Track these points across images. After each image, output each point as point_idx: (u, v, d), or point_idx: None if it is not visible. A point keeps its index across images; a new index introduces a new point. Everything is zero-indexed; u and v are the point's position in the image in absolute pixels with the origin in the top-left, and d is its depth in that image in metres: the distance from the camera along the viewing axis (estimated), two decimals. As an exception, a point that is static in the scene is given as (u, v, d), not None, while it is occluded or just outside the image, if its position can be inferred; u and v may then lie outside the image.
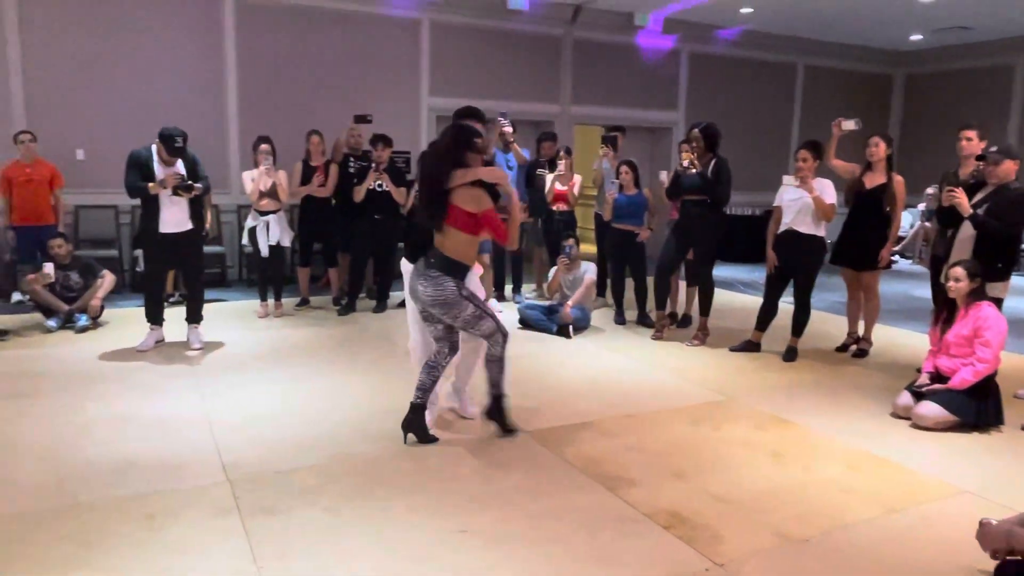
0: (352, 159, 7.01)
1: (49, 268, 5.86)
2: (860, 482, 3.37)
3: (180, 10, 7.87)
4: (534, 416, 4.11)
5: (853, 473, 3.48)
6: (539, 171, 7.33)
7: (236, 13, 8.09)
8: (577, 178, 7.31)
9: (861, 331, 5.71)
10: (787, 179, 5.32)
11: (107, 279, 6.11)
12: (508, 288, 7.59)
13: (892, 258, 5.61)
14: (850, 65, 12.19)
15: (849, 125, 5.42)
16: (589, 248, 7.78)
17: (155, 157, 5.16)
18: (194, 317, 5.50)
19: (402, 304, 7.11)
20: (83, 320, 5.88)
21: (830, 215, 5.20)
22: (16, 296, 6.85)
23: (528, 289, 7.77)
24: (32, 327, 5.91)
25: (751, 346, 5.63)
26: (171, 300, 6.80)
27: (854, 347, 5.68)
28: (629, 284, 6.56)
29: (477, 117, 3.86)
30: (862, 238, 5.38)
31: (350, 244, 6.94)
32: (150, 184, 5.09)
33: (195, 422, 3.93)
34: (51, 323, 5.83)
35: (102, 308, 6.05)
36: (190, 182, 5.16)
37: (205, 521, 2.88)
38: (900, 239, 10.69)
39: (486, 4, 9.20)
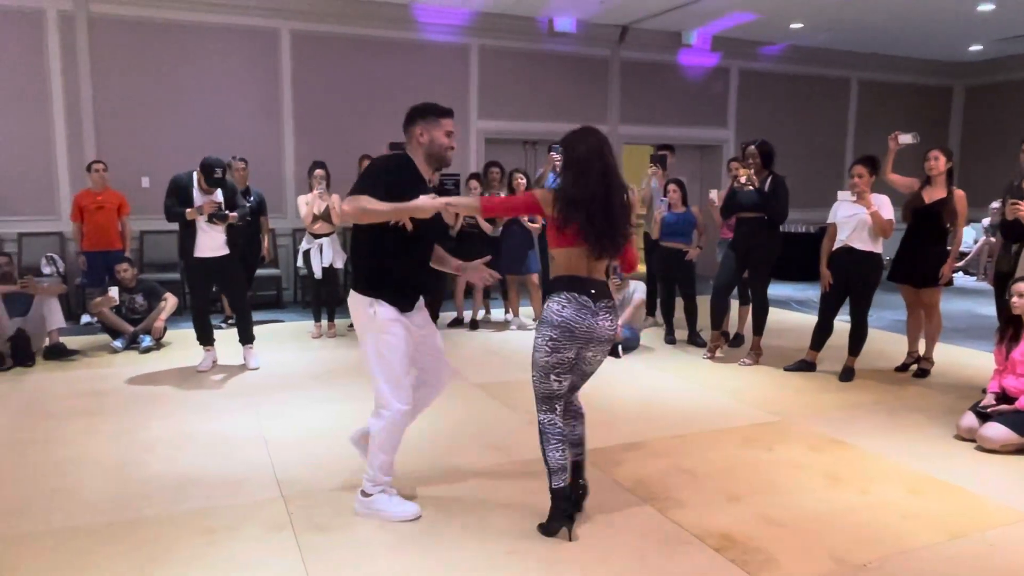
0: None
1: (114, 292, 6.13)
2: (922, 506, 3.26)
3: (239, 42, 8.19)
4: (583, 436, 4.08)
5: (914, 497, 3.36)
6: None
7: (292, 43, 8.38)
8: (625, 197, 7.30)
9: (922, 350, 5.54)
10: (842, 195, 5.21)
11: (170, 301, 6.34)
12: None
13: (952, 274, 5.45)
14: (906, 78, 11.91)
15: (907, 139, 5.31)
16: (639, 267, 7.74)
17: (195, 184, 5.34)
18: (246, 338, 5.66)
19: (453, 324, 7.25)
20: (147, 341, 6.10)
21: (888, 231, 5.07)
22: (85, 318, 7.17)
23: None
24: (100, 348, 6.16)
25: (806, 366, 5.51)
26: (229, 323, 7.00)
27: (915, 367, 5.51)
28: (678, 303, 6.50)
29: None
30: (922, 254, 5.24)
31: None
32: (187, 210, 5.24)
33: (252, 440, 4.04)
34: (117, 344, 6.08)
35: (165, 329, 6.28)
36: (226, 212, 5.30)
37: (261, 536, 2.95)
38: (963, 255, 10.33)
39: (533, 27, 9.31)
